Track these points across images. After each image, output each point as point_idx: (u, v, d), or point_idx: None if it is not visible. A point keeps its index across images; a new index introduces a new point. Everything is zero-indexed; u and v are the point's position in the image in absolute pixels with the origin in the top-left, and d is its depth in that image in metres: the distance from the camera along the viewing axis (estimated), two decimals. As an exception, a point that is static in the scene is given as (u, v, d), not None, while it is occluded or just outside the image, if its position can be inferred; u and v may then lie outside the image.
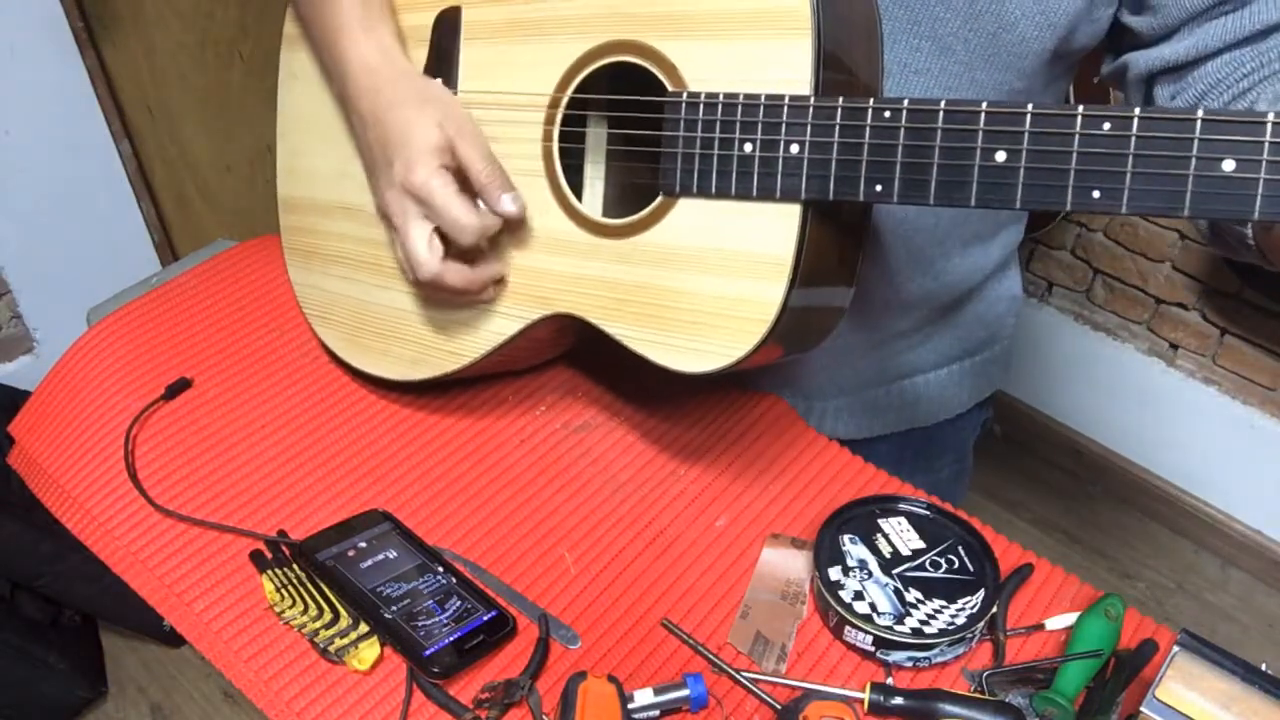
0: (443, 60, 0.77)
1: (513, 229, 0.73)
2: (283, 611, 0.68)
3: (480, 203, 0.71)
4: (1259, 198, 0.49)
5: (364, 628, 0.66)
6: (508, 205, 0.70)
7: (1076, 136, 0.52)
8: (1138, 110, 0.50)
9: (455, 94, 0.76)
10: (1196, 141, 0.49)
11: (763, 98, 0.60)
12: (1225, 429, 2.01)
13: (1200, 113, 0.49)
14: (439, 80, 0.76)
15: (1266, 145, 0.48)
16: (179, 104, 1.90)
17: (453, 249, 0.71)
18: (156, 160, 1.92)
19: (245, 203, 2.09)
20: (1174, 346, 2.04)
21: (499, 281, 0.75)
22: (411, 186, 0.69)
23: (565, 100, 0.70)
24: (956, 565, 0.71)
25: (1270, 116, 0.48)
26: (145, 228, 1.92)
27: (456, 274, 0.71)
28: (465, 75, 0.76)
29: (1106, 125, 0.51)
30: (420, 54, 0.78)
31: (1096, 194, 0.52)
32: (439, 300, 0.78)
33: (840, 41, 0.60)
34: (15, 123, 1.66)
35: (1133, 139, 0.51)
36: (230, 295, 0.94)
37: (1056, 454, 2.25)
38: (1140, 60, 0.73)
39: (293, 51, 0.87)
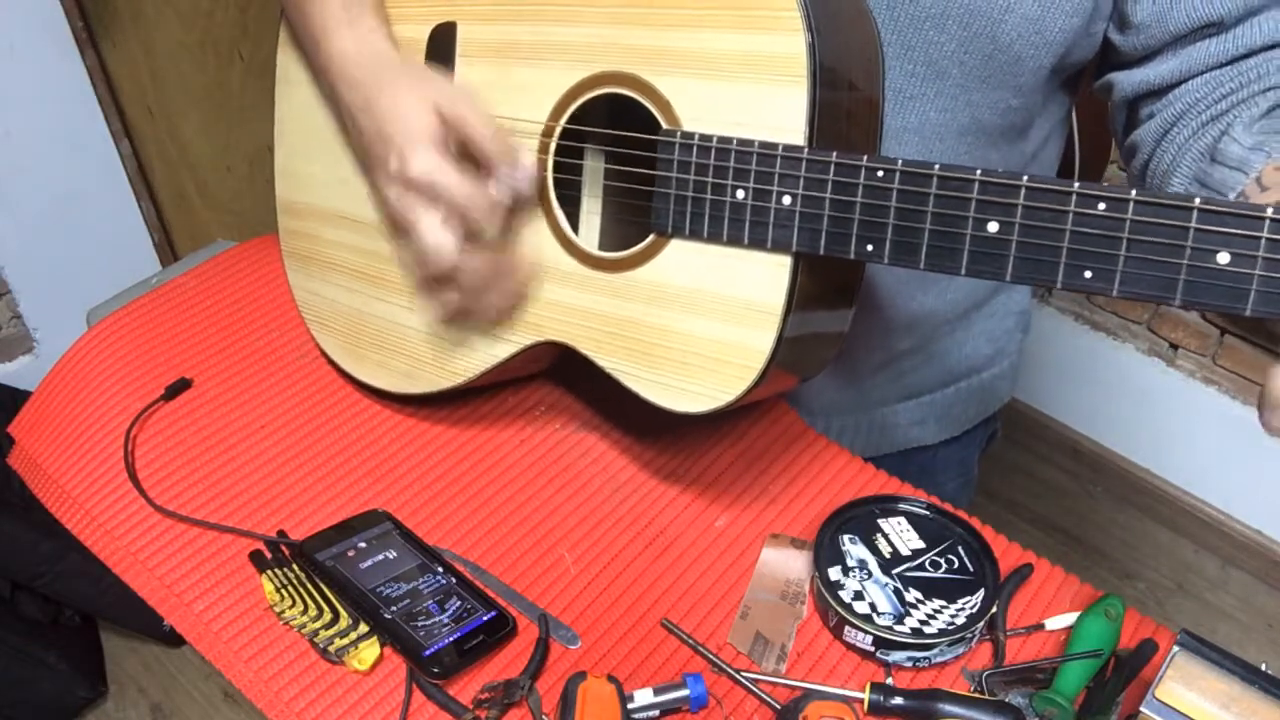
0: None
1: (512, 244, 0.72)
2: (283, 612, 0.68)
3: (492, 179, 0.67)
4: (1252, 293, 0.48)
5: (364, 628, 0.66)
6: (522, 173, 0.66)
7: (1070, 214, 0.51)
8: (1134, 193, 0.50)
9: None
10: (1192, 231, 0.49)
11: (756, 145, 0.59)
12: (1225, 429, 2.01)
13: (1197, 202, 0.48)
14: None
15: (1264, 241, 0.47)
16: (179, 104, 1.90)
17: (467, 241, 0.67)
18: (156, 160, 1.92)
19: (245, 203, 2.09)
20: (1174, 346, 2.04)
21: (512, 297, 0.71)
22: (411, 178, 0.65)
23: (558, 130, 0.69)
24: (956, 565, 0.71)
25: (1269, 211, 0.47)
26: (145, 228, 1.92)
27: (479, 261, 0.67)
28: None
29: (1101, 205, 0.50)
30: None
31: (1088, 274, 0.51)
32: (450, 318, 0.74)
33: (838, 86, 0.60)
34: (15, 123, 1.66)
35: (1128, 223, 0.50)
36: (230, 296, 0.94)
37: (1056, 454, 2.25)
38: (1125, 83, 0.73)
39: (288, 54, 0.87)
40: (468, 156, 0.67)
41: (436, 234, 0.65)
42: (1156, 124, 0.72)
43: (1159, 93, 0.71)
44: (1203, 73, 0.69)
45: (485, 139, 0.66)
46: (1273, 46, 0.67)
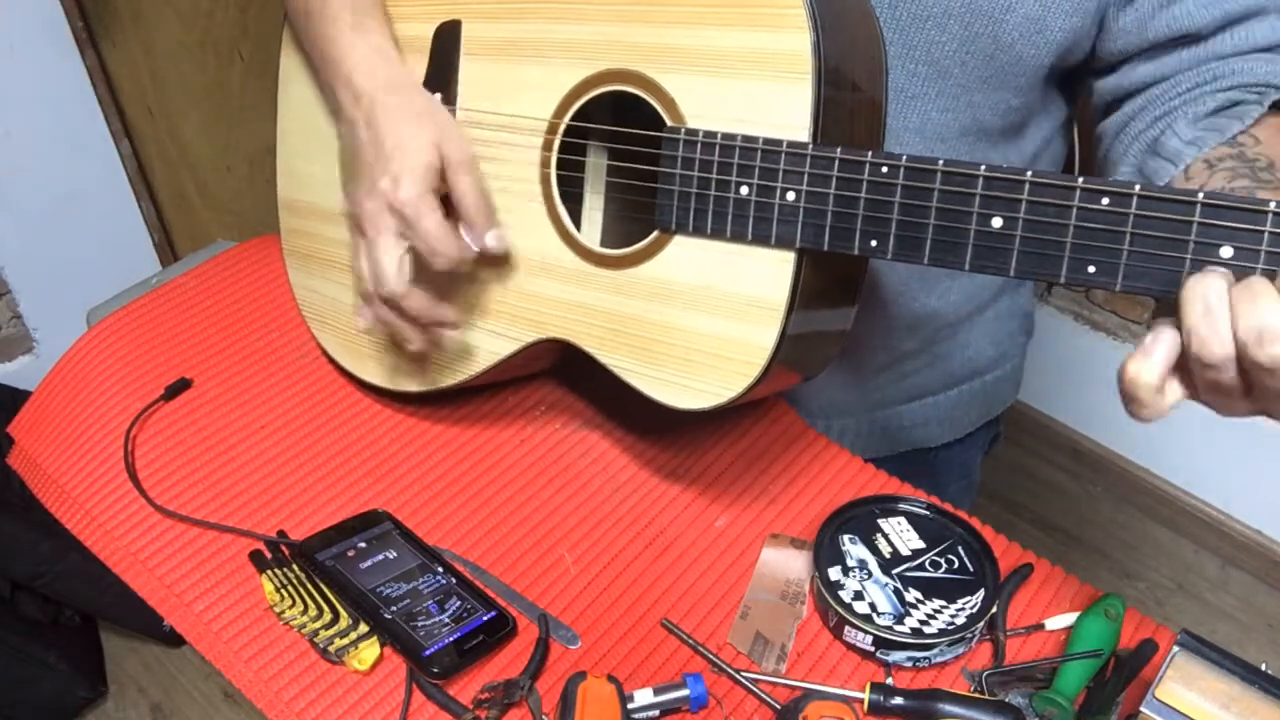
0: (442, 74, 0.76)
1: (499, 261, 0.72)
2: (283, 612, 0.68)
3: (462, 233, 0.69)
4: None
5: (364, 628, 0.66)
6: (491, 242, 0.69)
7: (1074, 209, 0.51)
8: (1138, 188, 0.50)
9: (454, 110, 0.75)
10: (1195, 225, 0.49)
11: (760, 141, 0.60)
12: (1225, 429, 1.99)
13: (1201, 196, 0.48)
14: (439, 96, 0.74)
15: (1266, 235, 0.47)
16: (179, 104, 1.90)
17: (421, 276, 0.70)
18: (156, 160, 1.92)
19: (245, 203, 2.09)
20: (1174, 346, 2.03)
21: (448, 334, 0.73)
22: (397, 202, 0.67)
23: (563, 127, 0.69)
24: (956, 565, 0.71)
25: (1271, 205, 0.47)
26: (145, 228, 1.92)
27: (419, 300, 0.70)
28: (465, 92, 0.75)
29: (1105, 200, 0.50)
30: (420, 65, 0.77)
31: (1092, 269, 0.52)
32: (369, 330, 0.77)
33: (842, 84, 0.60)
34: (15, 123, 1.66)
35: (1131, 217, 0.50)
36: (230, 295, 0.94)
37: (1056, 454, 2.24)
38: (1102, 89, 0.75)
39: (291, 55, 0.87)
40: (449, 203, 0.69)
41: (391, 258, 0.68)
42: (1118, 118, 0.74)
43: (1132, 95, 0.73)
44: (1172, 77, 0.70)
45: (472, 199, 0.69)
46: (1240, 54, 0.68)
